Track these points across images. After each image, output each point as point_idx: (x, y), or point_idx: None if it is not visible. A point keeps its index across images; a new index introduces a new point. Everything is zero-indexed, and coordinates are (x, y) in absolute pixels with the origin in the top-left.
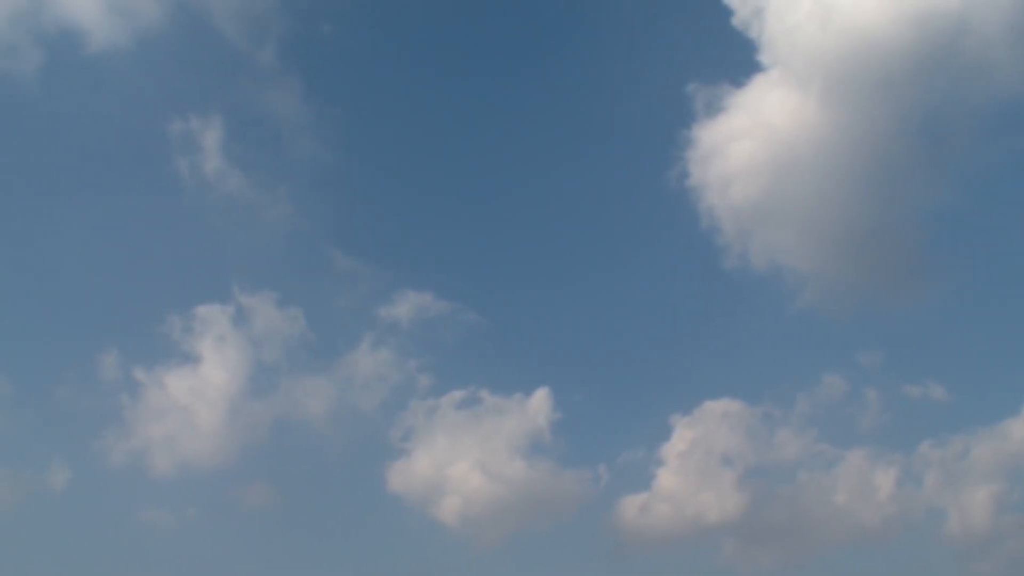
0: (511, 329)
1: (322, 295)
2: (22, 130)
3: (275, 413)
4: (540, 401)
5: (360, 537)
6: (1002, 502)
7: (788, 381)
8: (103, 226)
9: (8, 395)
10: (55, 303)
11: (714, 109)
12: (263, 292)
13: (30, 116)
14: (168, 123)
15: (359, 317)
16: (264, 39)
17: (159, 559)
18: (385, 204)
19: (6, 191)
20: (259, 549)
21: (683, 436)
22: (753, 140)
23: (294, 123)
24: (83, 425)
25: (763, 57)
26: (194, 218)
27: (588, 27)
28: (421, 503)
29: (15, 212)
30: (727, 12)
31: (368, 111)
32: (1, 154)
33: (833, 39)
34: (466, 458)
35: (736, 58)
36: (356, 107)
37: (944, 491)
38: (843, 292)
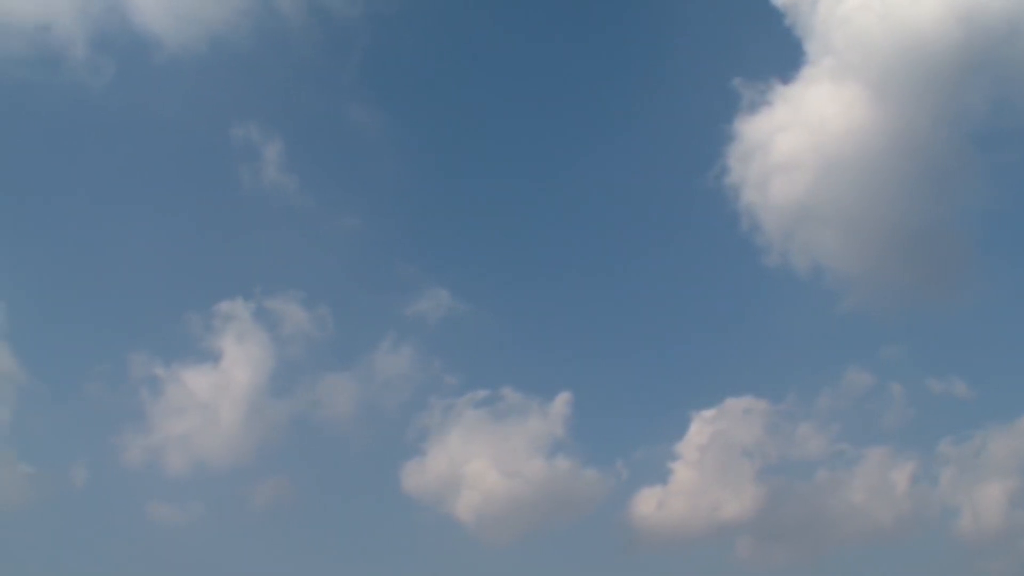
0: (535, 328)
1: (348, 294)
2: (89, 133)
3: (297, 411)
4: (561, 401)
5: (378, 535)
6: (1016, 499)
7: (812, 379)
8: (150, 227)
9: (38, 392)
10: (97, 302)
11: (759, 104)
12: (289, 291)
13: (100, 119)
14: (232, 129)
15: (384, 316)
16: (345, 53)
17: (176, 555)
18: (415, 205)
19: (64, 192)
20: (276, 546)
21: (703, 433)
22: (798, 136)
23: (355, 132)
24: (108, 423)
25: (810, 52)
26: (231, 218)
27: (635, 21)
28: (441, 502)
29: (71, 212)
30: (775, 7)
31: (414, 113)
32: (64, 156)
33: (884, 35)
34: (486, 457)
35: (783, 53)
36: (409, 112)
37: (959, 488)
38: (883, 293)
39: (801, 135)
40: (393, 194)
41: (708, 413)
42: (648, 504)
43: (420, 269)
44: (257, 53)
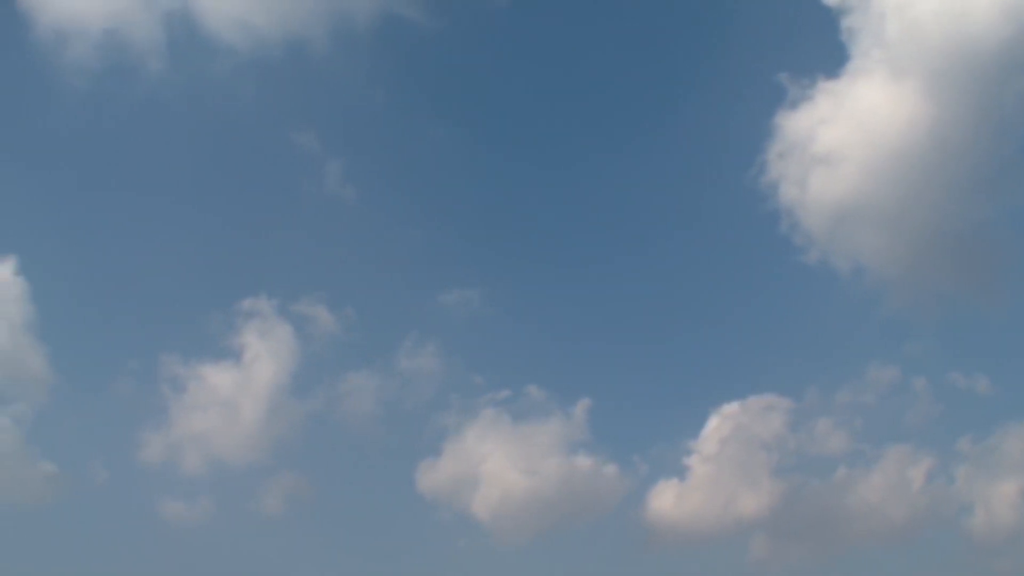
0: (561, 326)
1: (374, 293)
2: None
3: (319, 408)
4: (583, 406)
5: (395, 533)
6: None
7: (835, 375)
8: (185, 227)
9: (64, 391)
10: (128, 302)
11: (801, 100)
12: (314, 291)
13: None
14: (291, 133)
15: (410, 315)
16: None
17: (193, 552)
18: (449, 209)
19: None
20: (293, 542)
21: (723, 429)
22: (842, 131)
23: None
24: (131, 420)
25: (859, 47)
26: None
27: (683, 18)
28: (459, 500)
29: (110, 212)
30: (825, 3)
31: (460, 121)
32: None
33: (935, 31)
34: (505, 455)
35: (830, 48)
36: (456, 120)
37: (974, 486)
38: (921, 293)
39: (845, 130)
40: (428, 199)
41: (729, 410)
42: (665, 501)
43: (450, 270)
44: (329, 61)
